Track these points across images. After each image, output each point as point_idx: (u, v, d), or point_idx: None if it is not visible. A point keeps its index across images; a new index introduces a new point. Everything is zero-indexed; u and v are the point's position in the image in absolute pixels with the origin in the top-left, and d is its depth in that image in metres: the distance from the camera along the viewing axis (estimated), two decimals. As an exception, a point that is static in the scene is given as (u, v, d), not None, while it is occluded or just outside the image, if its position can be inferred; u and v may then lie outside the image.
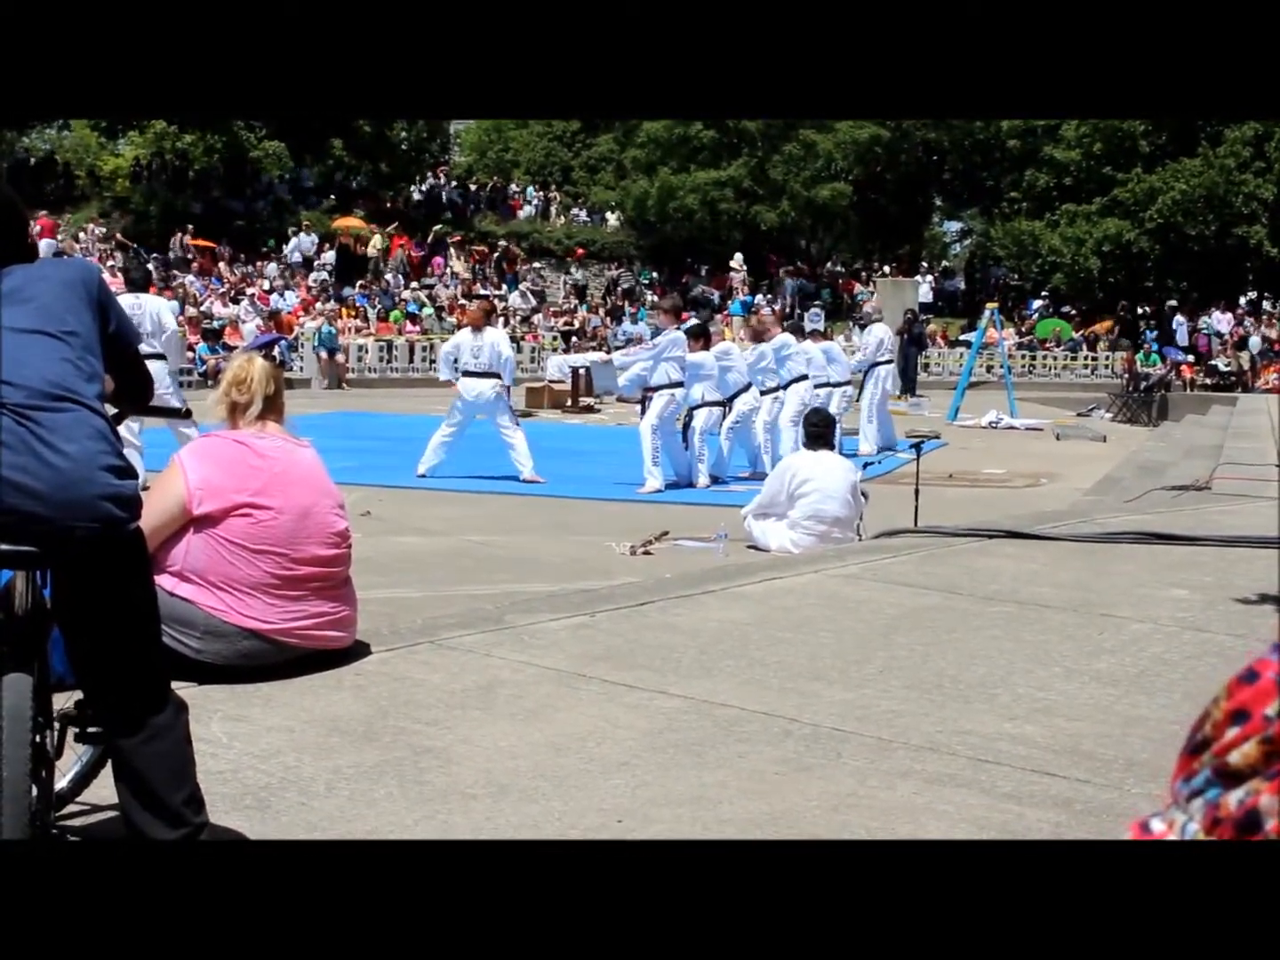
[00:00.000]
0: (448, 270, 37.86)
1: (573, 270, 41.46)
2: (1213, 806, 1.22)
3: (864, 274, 42.46)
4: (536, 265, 40.47)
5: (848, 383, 17.46)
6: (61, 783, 3.73)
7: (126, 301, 12.49)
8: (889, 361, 18.96)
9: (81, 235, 34.39)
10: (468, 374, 14.01)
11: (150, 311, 12.66)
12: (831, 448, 10.09)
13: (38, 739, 3.13)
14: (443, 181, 44.12)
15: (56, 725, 3.41)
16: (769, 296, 39.32)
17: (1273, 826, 1.16)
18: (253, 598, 5.02)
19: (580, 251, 42.41)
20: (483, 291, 36.25)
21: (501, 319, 34.17)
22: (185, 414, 4.51)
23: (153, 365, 11.75)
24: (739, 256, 40.98)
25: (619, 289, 39.50)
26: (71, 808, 3.78)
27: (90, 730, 3.46)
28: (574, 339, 33.17)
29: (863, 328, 19.38)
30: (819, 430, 9.97)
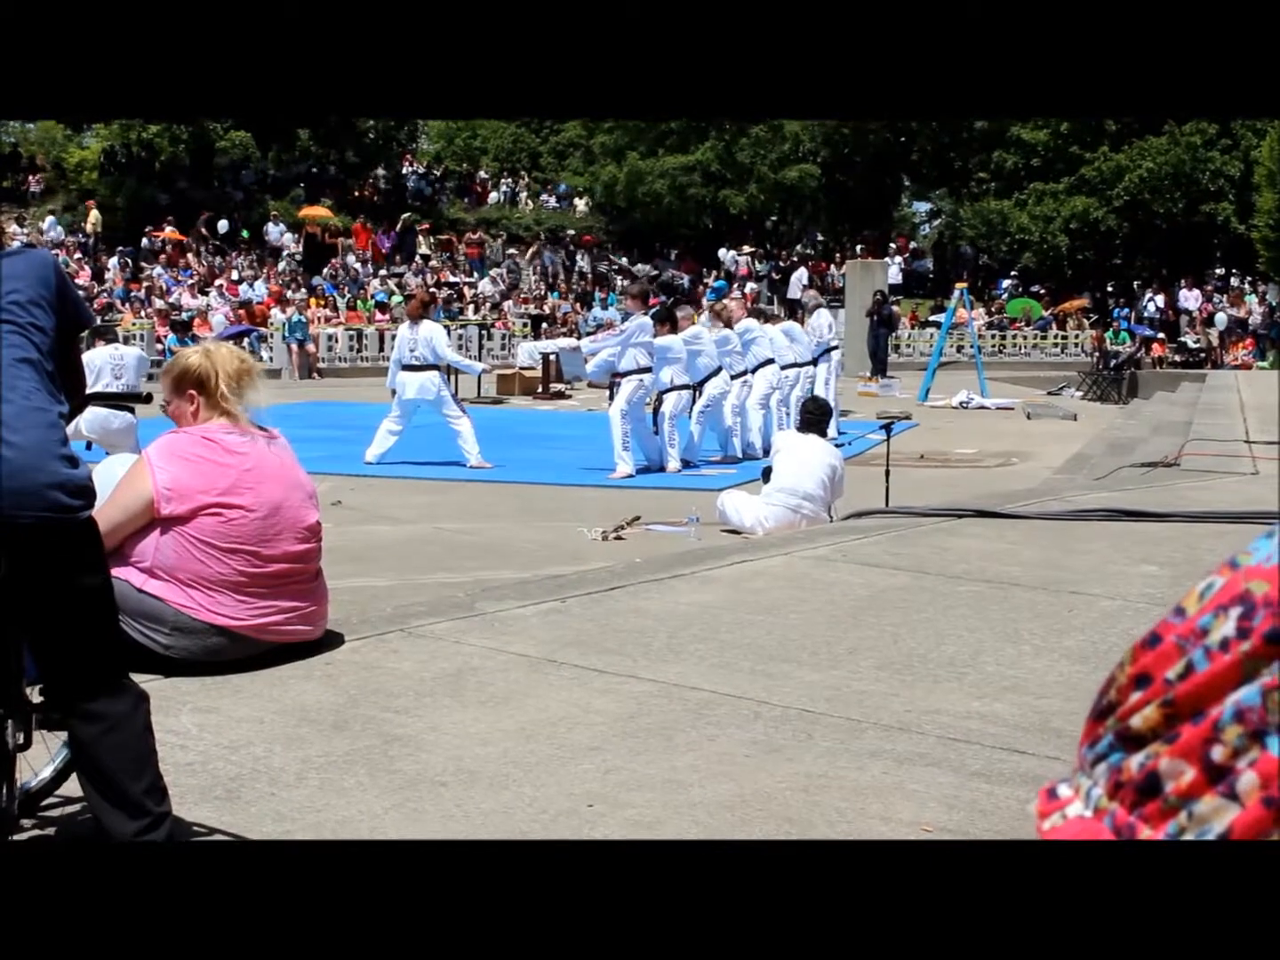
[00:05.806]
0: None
1: (579, 258, 40.92)
2: (1115, 770, 1.22)
3: (838, 255, 42.37)
4: (511, 252, 40.25)
5: (810, 363, 17.55)
6: (39, 776, 3.72)
7: (105, 351, 12.94)
8: (837, 347, 19.21)
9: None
10: (406, 368, 14.04)
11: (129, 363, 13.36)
12: (823, 434, 10.24)
13: None
14: (409, 169, 43.85)
15: (18, 718, 3.39)
16: (739, 281, 39.31)
17: (1171, 789, 1.16)
18: (223, 595, 4.99)
19: (588, 239, 41.86)
20: (453, 279, 36.10)
21: (471, 305, 34.13)
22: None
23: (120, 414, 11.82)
24: (722, 252, 41.01)
25: (591, 274, 39.39)
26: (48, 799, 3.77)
27: (55, 718, 3.44)
28: (544, 325, 33.12)
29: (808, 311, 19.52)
30: (813, 417, 10.26)
